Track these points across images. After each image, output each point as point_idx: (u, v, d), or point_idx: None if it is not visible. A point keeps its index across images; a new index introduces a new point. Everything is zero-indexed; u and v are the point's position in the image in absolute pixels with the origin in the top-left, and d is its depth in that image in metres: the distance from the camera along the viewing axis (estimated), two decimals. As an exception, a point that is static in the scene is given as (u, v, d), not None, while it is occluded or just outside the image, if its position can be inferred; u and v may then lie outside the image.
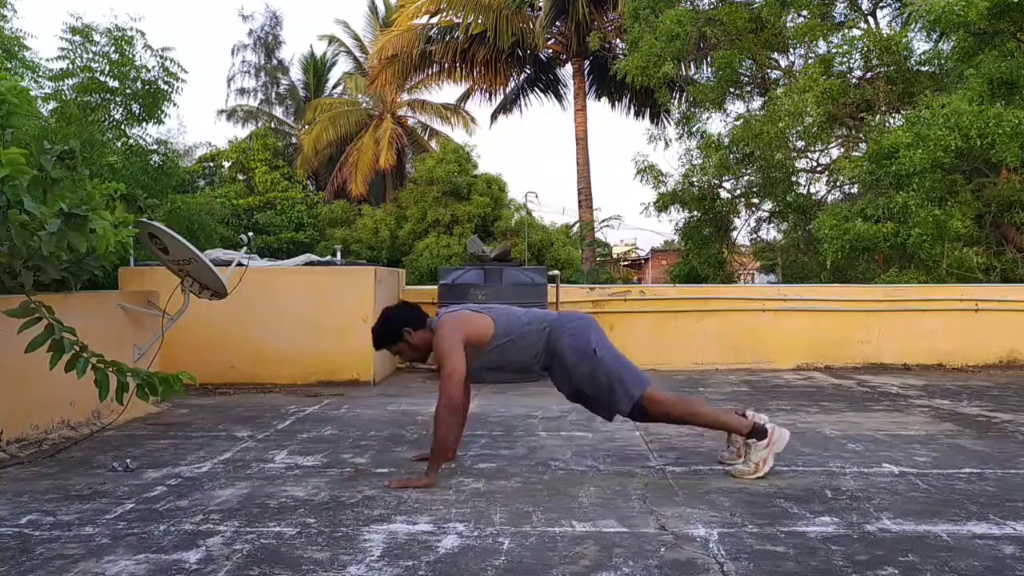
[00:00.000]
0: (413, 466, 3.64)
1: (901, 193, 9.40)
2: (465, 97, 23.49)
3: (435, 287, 7.22)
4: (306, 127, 26.32)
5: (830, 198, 13.45)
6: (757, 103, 13.80)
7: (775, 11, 11.61)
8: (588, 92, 20.23)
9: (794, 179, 13.13)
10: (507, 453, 3.93)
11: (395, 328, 3.53)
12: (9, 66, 7.52)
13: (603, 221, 21.55)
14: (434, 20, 20.22)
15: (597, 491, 3.21)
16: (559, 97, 21.75)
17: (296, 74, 29.88)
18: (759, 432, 3.39)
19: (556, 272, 7.81)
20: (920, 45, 16.23)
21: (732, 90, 13.42)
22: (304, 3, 62.00)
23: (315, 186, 26.51)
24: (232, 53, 31.40)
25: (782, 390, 6.25)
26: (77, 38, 8.08)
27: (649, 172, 13.74)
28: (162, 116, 8.56)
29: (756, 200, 13.71)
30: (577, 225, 20.85)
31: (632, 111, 20.52)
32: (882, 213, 9.66)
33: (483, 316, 3.50)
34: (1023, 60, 9.41)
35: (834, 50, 11.95)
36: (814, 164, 13.39)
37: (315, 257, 7.27)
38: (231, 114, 28.33)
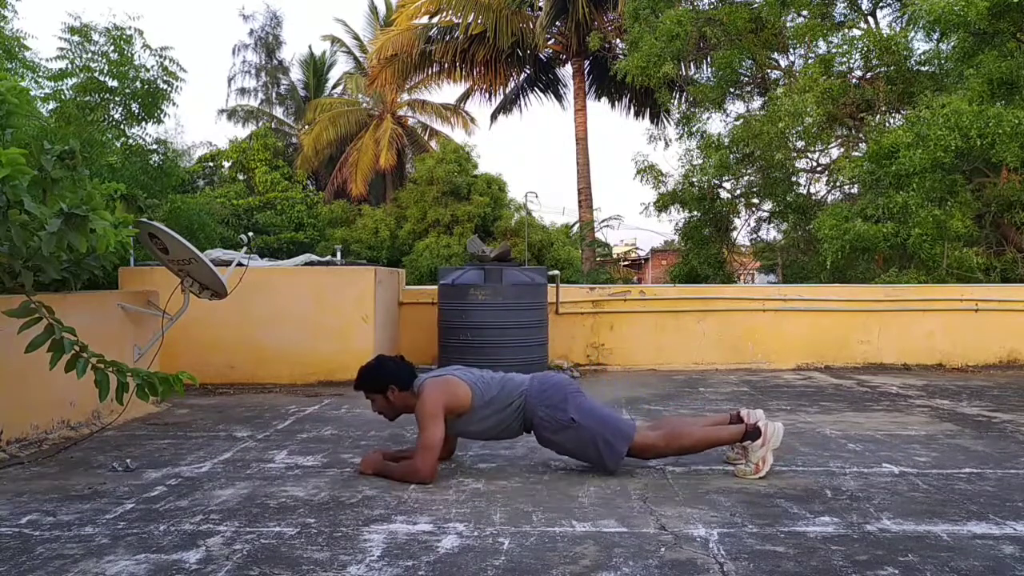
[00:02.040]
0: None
1: (901, 193, 9.40)
2: (465, 97, 23.49)
3: (435, 287, 7.22)
4: (306, 127, 26.33)
5: (830, 198, 13.46)
6: (757, 103, 13.82)
7: (775, 11, 11.61)
8: (588, 92, 20.22)
9: (794, 179, 13.15)
10: (507, 453, 3.93)
11: (382, 381, 3.50)
12: (9, 66, 7.51)
13: (603, 221, 21.56)
14: (434, 20, 20.21)
15: (597, 491, 3.21)
16: (559, 97, 21.76)
17: (296, 74, 29.92)
18: (752, 434, 3.43)
19: (556, 272, 7.81)
20: (920, 45, 16.25)
21: (732, 90, 13.43)
22: (304, 3, 62.03)
23: (315, 186, 26.52)
24: (233, 53, 31.41)
25: (782, 390, 6.25)
26: (76, 38, 8.08)
27: (649, 172, 13.75)
28: (161, 116, 8.57)
29: (756, 200, 13.72)
30: (577, 225, 20.84)
31: (632, 111, 20.52)
32: (882, 213, 9.66)
33: (464, 385, 3.48)
34: (1023, 60, 9.41)
35: (834, 50, 11.94)
36: (814, 164, 13.40)
37: (315, 257, 7.27)
38: (232, 114, 28.35)
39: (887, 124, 11.56)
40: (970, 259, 9.44)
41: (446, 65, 20.43)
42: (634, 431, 3.45)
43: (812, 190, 13.50)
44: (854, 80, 12.30)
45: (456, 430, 3.55)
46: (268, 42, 29.03)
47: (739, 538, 2.63)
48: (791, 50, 13.01)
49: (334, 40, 28.75)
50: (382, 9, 27.82)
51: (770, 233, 14.32)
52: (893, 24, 12.78)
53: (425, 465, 3.31)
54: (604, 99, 20.87)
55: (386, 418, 3.61)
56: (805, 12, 11.98)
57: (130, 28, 8.21)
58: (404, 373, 3.53)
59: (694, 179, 13.08)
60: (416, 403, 3.42)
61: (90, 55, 8.14)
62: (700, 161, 13.02)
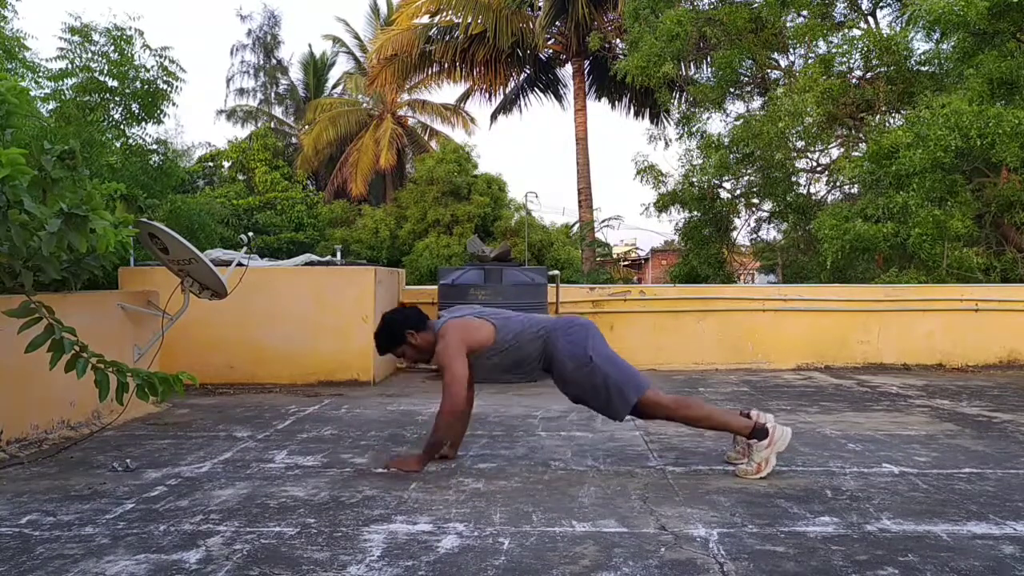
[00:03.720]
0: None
1: (901, 193, 9.40)
2: (465, 97, 23.49)
3: (435, 287, 7.22)
4: (306, 127, 26.34)
5: (830, 198, 13.46)
6: (757, 103, 13.81)
7: (775, 11, 11.61)
8: (588, 92, 20.22)
9: (794, 179, 13.14)
10: (507, 453, 3.93)
11: (397, 331, 3.62)
12: (9, 67, 7.51)
13: (603, 221, 21.54)
14: (434, 20, 20.21)
15: (597, 491, 3.21)
16: (559, 97, 21.75)
17: (296, 74, 29.93)
18: (760, 432, 3.41)
19: (556, 272, 7.81)
20: (920, 45, 16.26)
21: (732, 90, 13.42)
22: (303, 3, 62.01)
23: (315, 186, 26.53)
24: (231, 53, 31.38)
25: (782, 390, 6.25)
26: (76, 38, 8.07)
27: (649, 172, 13.75)
28: (161, 116, 8.56)
29: (756, 200, 13.72)
30: (577, 225, 20.84)
31: (632, 111, 20.51)
32: (882, 213, 9.66)
33: (484, 323, 3.58)
34: (1023, 60, 9.41)
35: (834, 50, 11.94)
36: (814, 164, 13.40)
37: (315, 257, 7.27)
38: (231, 114, 28.36)
39: (887, 124, 11.55)
40: (970, 259, 9.44)
41: (446, 65, 20.43)
42: (648, 385, 3.47)
43: (812, 190, 13.52)
44: (854, 80, 12.30)
45: (479, 367, 3.58)
46: (266, 42, 29.03)
47: (739, 538, 2.63)
48: (791, 50, 13.00)
49: (334, 40, 28.78)
50: (383, 9, 27.84)
51: (770, 233, 14.34)
52: (893, 24, 12.79)
53: (452, 399, 3.38)
54: (604, 99, 20.88)
55: (425, 363, 3.72)
56: (805, 12, 11.98)
57: (130, 28, 8.20)
58: (410, 315, 3.67)
59: (694, 179, 13.07)
60: (438, 344, 3.51)
61: (90, 55, 8.13)
62: (700, 161, 13.02)
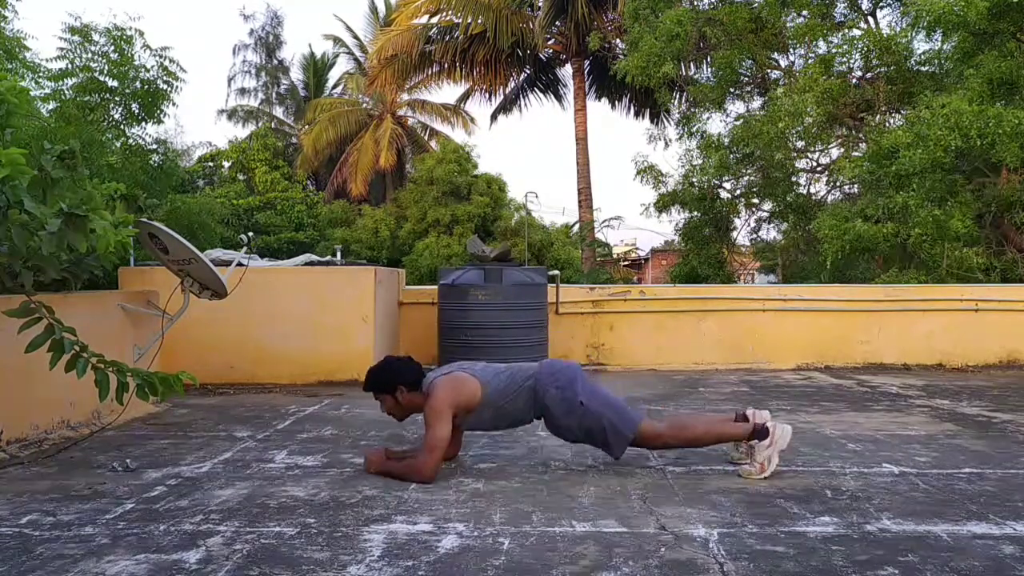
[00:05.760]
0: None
1: (901, 193, 9.40)
2: (465, 97, 23.49)
3: (435, 287, 7.22)
4: (306, 127, 26.35)
5: (830, 198, 13.46)
6: (757, 103, 13.82)
7: (775, 11, 11.61)
8: (588, 92, 20.22)
9: (794, 179, 13.15)
10: (507, 453, 3.93)
11: (390, 381, 3.49)
12: (9, 66, 7.51)
13: (603, 221, 21.53)
14: (434, 20, 20.22)
15: (597, 491, 3.21)
16: (559, 97, 21.75)
17: (296, 74, 29.94)
18: (760, 433, 3.42)
19: (556, 272, 7.81)
20: (920, 45, 16.22)
21: (732, 90, 13.43)
22: (304, 3, 61.98)
23: (315, 186, 26.54)
24: (233, 53, 31.37)
25: (782, 390, 6.25)
26: (76, 38, 8.08)
27: (649, 172, 13.76)
28: (161, 116, 8.57)
29: (756, 200, 13.73)
30: (577, 225, 20.84)
31: (632, 111, 20.52)
32: (882, 213, 9.67)
33: (473, 381, 3.48)
34: (1023, 60, 9.41)
35: (834, 50, 11.94)
36: (814, 164, 13.41)
37: (315, 257, 7.27)
38: (231, 114, 28.37)
39: (887, 124, 11.56)
40: (970, 259, 9.44)
41: (446, 65, 20.43)
42: (641, 418, 3.47)
43: (812, 190, 13.53)
44: (854, 80, 12.30)
45: (469, 424, 3.54)
46: (268, 42, 29.05)
47: (739, 538, 2.63)
48: (791, 50, 13.01)
49: (334, 40, 28.79)
50: (382, 9, 27.84)
51: (770, 233, 14.36)
52: (893, 24, 12.79)
53: (427, 465, 3.31)
54: (604, 99, 20.88)
55: (395, 418, 3.61)
56: (805, 12, 11.99)
57: (130, 28, 8.21)
58: (412, 373, 3.52)
59: (694, 179, 13.09)
60: (425, 403, 3.42)
61: (90, 55, 8.13)
62: (700, 161, 13.03)
